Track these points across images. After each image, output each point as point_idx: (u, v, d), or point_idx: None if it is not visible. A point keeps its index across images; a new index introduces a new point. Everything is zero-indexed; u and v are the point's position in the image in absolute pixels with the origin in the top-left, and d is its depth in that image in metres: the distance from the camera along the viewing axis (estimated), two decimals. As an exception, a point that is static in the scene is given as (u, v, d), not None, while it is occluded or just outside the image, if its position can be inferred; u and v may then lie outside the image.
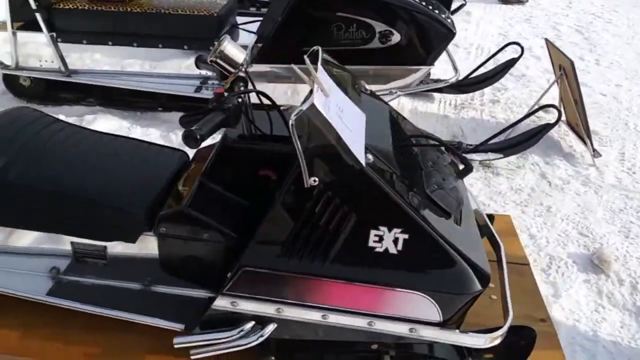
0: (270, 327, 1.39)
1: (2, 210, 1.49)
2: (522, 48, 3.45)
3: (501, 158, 3.01)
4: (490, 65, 3.60)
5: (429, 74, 3.20)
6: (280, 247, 1.30)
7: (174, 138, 3.04)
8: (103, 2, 3.16)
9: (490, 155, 3.00)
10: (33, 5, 3.06)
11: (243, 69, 1.47)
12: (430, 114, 3.56)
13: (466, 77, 3.73)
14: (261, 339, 1.38)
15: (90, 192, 1.46)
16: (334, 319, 1.36)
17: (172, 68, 3.57)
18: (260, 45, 2.97)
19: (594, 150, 3.11)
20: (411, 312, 1.33)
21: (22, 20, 3.19)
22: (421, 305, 1.32)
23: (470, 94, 3.78)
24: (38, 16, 3.10)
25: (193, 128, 1.22)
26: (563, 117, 3.24)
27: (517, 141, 3.07)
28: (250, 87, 1.52)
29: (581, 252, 2.42)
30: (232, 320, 1.40)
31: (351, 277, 1.31)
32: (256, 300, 1.36)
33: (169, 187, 1.52)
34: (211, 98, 1.38)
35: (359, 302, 1.34)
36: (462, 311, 1.37)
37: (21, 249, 1.61)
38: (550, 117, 3.24)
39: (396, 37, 2.84)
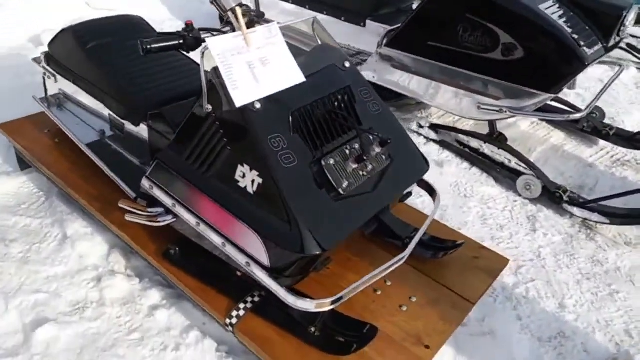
0: (168, 218, 1.73)
1: (69, 67, 2.12)
2: None
3: (607, 224, 2.59)
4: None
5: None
6: (181, 153, 1.62)
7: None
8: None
9: (595, 217, 2.61)
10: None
11: (230, 14, 1.74)
12: (577, 155, 3.17)
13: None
14: (158, 224, 1.74)
15: (127, 83, 1.99)
16: (202, 228, 1.62)
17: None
18: (392, 31, 3.11)
19: None
20: (249, 247, 1.51)
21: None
22: (255, 246, 1.48)
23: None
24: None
25: (145, 40, 1.59)
26: None
27: (636, 213, 2.59)
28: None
29: None
30: (155, 201, 1.78)
31: (218, 199, 1.55)
32: (162, 190, 1.71)
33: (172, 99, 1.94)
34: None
35: (219, 223, 1.57)
36: (294, 268, 1.47)
37: (88, 106, 2.25)
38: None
39: (519, 53, 2.65)
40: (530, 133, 3.35)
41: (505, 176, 2.86)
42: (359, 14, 3.39)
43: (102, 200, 2.01)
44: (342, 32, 3.71)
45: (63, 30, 2.21)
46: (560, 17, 2.64)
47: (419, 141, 3.16)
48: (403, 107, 3.50)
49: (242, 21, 1.53)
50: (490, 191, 2.79)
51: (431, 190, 1.94)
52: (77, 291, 1.93)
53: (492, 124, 2.99)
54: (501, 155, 2.96)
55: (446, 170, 2.91)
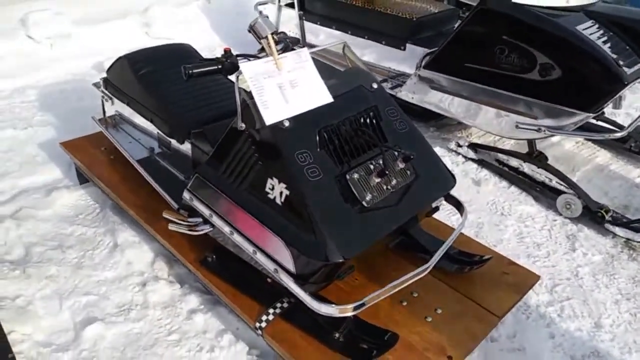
0: (206, 227, 1.86)
1: (124, 91, 2.33)
2: None
3: (650, 244, 2.52)
4: None
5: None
6: (218, 168, 1.75)
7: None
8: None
9: (638, 237, 2.55)
10: (292, -13, 4.01)
11: (263, 41, 1.88)
12: (623, 175, 3.09)
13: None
14: (197, 233, 1.87)
15: (173, 105, 2.17)
16: (235, 237, 1.74)
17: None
18: (430, 54, 3.19)
19: None
20: (277, 255, 1.60)
21: (288, -1, 4.18)
22: (282, 253, 1.58)
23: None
24: (295, -3, 4.03)
25: (188, 66, 1.75)
26: None
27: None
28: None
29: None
30: (195, 212, 1.92)
31: (249, 210, 1.66)
32: (200, 202, 1.84)
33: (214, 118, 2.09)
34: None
35: (250, 232, 1.68)
36: (318, 275, 1.56)
37: (140, 126, 2.45)
38: None
39: (557, 73, 2.65)
40: (574, 152, 3.31)
41: (546, 195, 2.84)
42: (398, 38, 3.49)
43: (149, 211, 2.18)
44: (383, 56, 3.84)
45: (119, 58, 2.44)
46: (599, 37, 2.64)
47: (457, 160, 3.19)
48: (444, 127, 3.54)
49: (274, 47, 1.66)
50: (528, 210, 2.77)
51: (458, 205, 1.97)
52: (123, 294, 2.09)
53: (531, 143, 2.99)
54: (541, 175, 2.94)
55: (484, 189, 2.92)
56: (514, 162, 3.05)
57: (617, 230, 2.58)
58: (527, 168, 2.99)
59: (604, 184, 3.02)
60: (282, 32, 1.99)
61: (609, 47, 2.61)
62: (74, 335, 1.92)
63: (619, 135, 2.68)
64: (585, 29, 2.65)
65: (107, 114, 2.67)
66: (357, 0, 3.77)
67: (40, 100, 3.65)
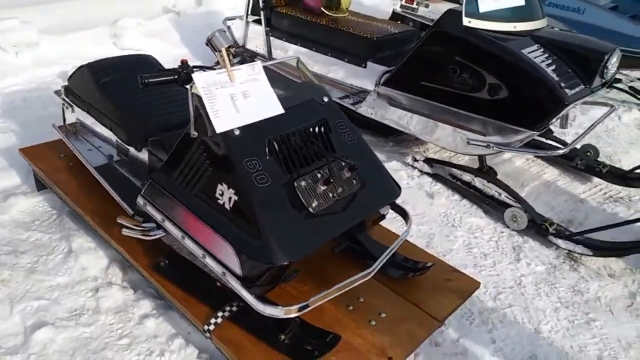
0: (159, 232, 1.91)
1: (84, 98, 2.38)
2: None
3: (591, 256, 2.66)
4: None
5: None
6: (171, 173, 1.81)
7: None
8: (307, 13, 3.99)
9: (579, 249, 2.69)
10: (261, 5, 4.11)
11: (221, 53, 1.95)
12: (569, 191, 3.26)
13: (633, 170, 3.30)
14: (149, 238, 1.92)
15: (132, 113, 2.22)
16: (186, 241, 1.79)
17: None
18: (388, 72, 3.32)
19: None
20: (225, 258, 1.66)
21: (256, 15, 4.28)
22: (230, 256, 1.64)
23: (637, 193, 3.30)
24: (262, 14, 4.14)
25: (144, 75, 1.81)
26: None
27: (620, 246, 2.66)
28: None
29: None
30: (149, 217, 1.96)
31: (200, 214, 1.72)
32: (153, 207, 1.89)
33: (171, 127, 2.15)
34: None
35: (200, 236, 1.74)
36: (264, 278, 1.62)
37: (99, 134, 2.48)
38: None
39: (504, 93, 2.80)
40: (524, 169, 3.46)
41: (494, 208, 2.96)
42: (360, 56, 3.62)
43: (105, 217, 2.21)
44: (345, 72, 3.96)
45: (80, 67, 2.48)
46: (544, 60, 2.81)
47: (413, 174, 3.31)
48: (402, 142, 3.66)
49: (227, 60, 1.74)
50: (478, 222, 2.89)
51: (404, 214, 2.07)
52: (76, 299, 2.10)
53: (481, 158, 3.13)
54: (492, 189, 3.07)
55: (437, 202, 3.03)
56: (467, 176, 3.18)
57: (560, 242, 2.71)
58: (478, 183, 3.13)
59: (551, 199, 3.17)
60: (241, 47, 2.07)
61: (553, 70, 2.77)
62: (24, 339, 1.93)
63: (561, 152, 2.84)
64: (531, 52, 2.82)
65: (68, 122, 2.70)
66: (322, 19, 3.90)
67: (2, 107, 3.64)
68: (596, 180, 3.39)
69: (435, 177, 3.27)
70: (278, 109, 1.79)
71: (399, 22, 5.72)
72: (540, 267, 2.58)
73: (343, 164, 1.79)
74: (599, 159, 3.52)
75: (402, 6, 5.67)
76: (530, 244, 2.74)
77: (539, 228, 2.76)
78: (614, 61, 2.85)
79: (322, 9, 3.92)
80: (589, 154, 3.53)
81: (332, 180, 1.69)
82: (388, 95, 3.33)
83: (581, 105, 3.63)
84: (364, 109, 3.51)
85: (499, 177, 3.17)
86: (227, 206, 1.64)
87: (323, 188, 1.69)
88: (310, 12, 4.00)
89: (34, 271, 2.22)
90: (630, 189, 3.31)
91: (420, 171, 3.32)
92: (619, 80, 4.79)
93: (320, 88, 2.02)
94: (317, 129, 1.85)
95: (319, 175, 1.73)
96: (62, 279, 2.19)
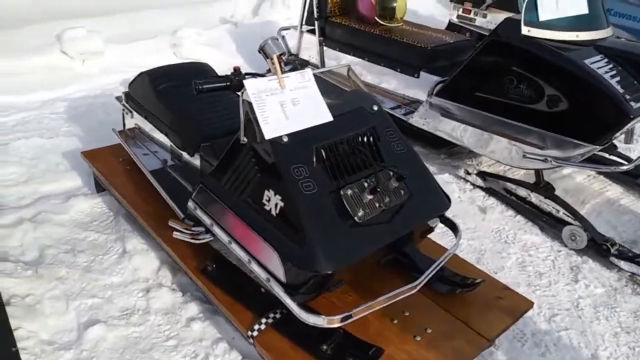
0: (207, 236, 1.94)
1: (142, 104, 2.47)
2: None
3: (654, 279, 2.50)
4: None
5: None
6: (220, 178, 1.84)
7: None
8: (360, 23, 3.99)
9: (641, 271, 2.54)
10: (315, 15, 4.15)
11: (269, 61, 1.96)
12: (633, 210, 3.07)
13: None
14: (198, 242, 1.95)
15: (186, 119, 2.28)
16: (233, 246, 1.81)
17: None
18: (441, 82, 3.26)
19: None
20: (269, 264, 1.67)
21: (310, 25, 4.32)
22: (274, 263, 1.64)
23: None
24: (316, 24, 4.18)
25: (198, 81, 1.85)
26: None
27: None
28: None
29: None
30: (199, 221, 2.00)
31: (247, 220, 1.74)
32: (203, 211, 1.93)
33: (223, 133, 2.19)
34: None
35: (246, 241, 1.75)
36: (307, 286, 1.61)
37: (156, 139, 2.56)
38: None
39: (564, 105, 2.69)
40: (585, 185, 3.30)
41: (551, 225, 2.84)
42: (413, 65, 3.57)
43: (158, 220, 2.27)
44: (398, 83, 3.93)
45: (140, 74, 2.58)
46: (607, 71, 2.66)
47: (465, 187, 3.22)
48: (454, 154, 3.58)
49: (278, 67, 1.76)
50: (533, 239, 2.77)
51: (453, 227, 2.01)
52: (127, 299, 2.17)
53: (538, 173, 3.00)
54: (549, 206, 2.94)
55: (489, 217, 2.94)
56: (522, 191, 3.07)
57: (622, 264, 2.56)
58: (534, 198, 3.01)
59: (613, 218, 3.00)
60: (293, 55, 2.10)
61: (617, 81, 2.63)
62: (77, 335, 2.01)
63: (624, 168, 2.68)
64: (594, 62, 2.68)
65: (127, 127, 2.81)
66: (375, 29, 3.88)
67: (68, 112, 3.84)
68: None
69: (489, 191, 3.17)
70: (327, 117, 1.79)
71: (455, 32, 5.65)
72: (600, 290, 2.44)
73: (391, 173, 1.76)
74: (667, 177, 3.30)
75: (458, 16, 5.56)
76: (590, 265, 2.60)
77: (599, 248, 2.62)
78: (684, 73, 2.68)
79: (376, 18, 3.90)
80: (656, 170, 3.32)
81: (378, 189, 1.67)
82: (441, 106, 3.26)
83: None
84: (416, 120, 3.46)
85: (557, 192, 3.03)
86: (273, 212, 1.65)
87: (369, 197, 1.67)
88: (364, 21, 3.99)
89: (90, 270, 2.31)
90: None
91: (473, 185, 3.23)
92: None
93: (370, 96, 2.00)
94: (365, 138, 1.83)
95: (365, 185, 1.71)
96: (115, 279, 2.27)
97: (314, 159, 1.68)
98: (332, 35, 4.15)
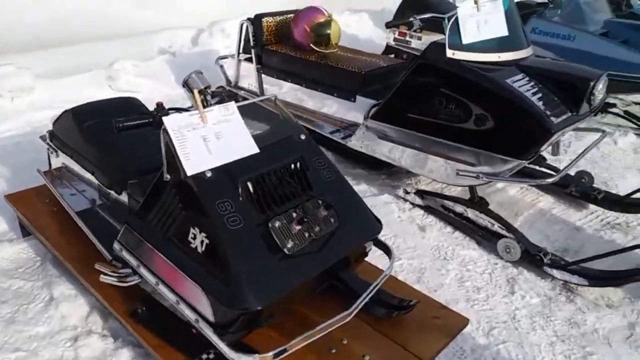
0: (135, 278, 1.88)
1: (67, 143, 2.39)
2: None
3: (587, 286, 2.59)
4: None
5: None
6: (145, 217, 1.78)
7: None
8: (296, 50, 4.03)
9: (575, 279, 2.62)
10: (251, 43, 4.17)
11: (196, 95, 1.94)
12: (564, 219, 3.20)
13: (628, 195, 3.24)
14: (126, 284, 1.88)
15: (112, 157, 2.22)
16: (160, 287, 1.75)
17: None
18: (376, 105, 3.32)
19: None
20: (198, 304, 1.62)
21: (247, 53, 4.33)
22: (202, 302, 1.60)
23: (637, 216, 3.23)
24: (253, 52, 4.19)
25: (119, 119, 1.80)
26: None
27: (618, 275, 2.59)
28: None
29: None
30: (127, 263, 1.93)
31: (173, 259, 1.69)
32: (129, 252, 1.86)
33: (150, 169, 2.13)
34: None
35: (173, 281, 1.70)
36: (237, 324, 1.57)
37: (84, 178, 2.47)
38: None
39: (491, 123, 2.78)
40: (517, 197, 3.41)
41: (487, 239, 2.91)
42: (348, 90, 3.63)
43: (85, 263, 2.17)
44: (335, 107, 3.98)
45: (64, 112, 2.50)
46: (529, 89, 2.78)
47: (404, 207, 3.26)
48: (394, 175, 3.63)
49: (199, 101, 1.74)
50: (471, 254, 2.83)
51: (387, 250, 2.03)
52: (54, 350, 2.06)
53: (472, 189, 3.08)
54: (485, 220, 3.02)
55: (428, 234, 2.98)
56: (459, 207, 3.14)
57: (555, 272, 2.65)
58: (470, 213, 3.08)
59: (546, 228, 3.11)
60: (220, 87, 2.09)
61: (539, 98, 2.75)
62: (-1, 393, 1.88)
63: (551, 180, 2.79)
64: (516, 81, 2.80)
65: (53, 166, 2.70)
66: (311, 55, 3.93)
67: (-5, 153, 3.67)
68: (592, 207, 3.33)
69: (427, 209, 3.23)
70: (253, 149, 1.78)
71: (393, 55, 5.80)
72: (535, 300, 2.51)
73: (320, 202, 1.76)
74: (594, 185, 3.46)
75: (395, 39, 5.72)
76: (525, 276, 2.67)
77: (533, 258, 2.70)
78: (600, 87, 2.83)
79: (312, 45, 3.96)
80: (583, 180, 3.48)
81: (306, 219, 1.66)
82: (377, 129, 3.32)
83: (576, 132, 3.62)
84: (354, 143, 3.51)
85: (492, 206, 3.12)
86: (199, 250, 1.61)
87: (298, 228, 1.66)
88: (300, 49, 4.04)
89: (14, 321, 2.18)
90: (628, 215, 3.24)
91: (412, 204, 3.28)
92: (614, 105, 4.79)
93: (297, 126, 2.01)
94: (293, 167, 1.83)
95: (294, 215, 1.70)
96: (41, 329, 2.15)
97: (240, 193, 1.66)
98: (270, 63, 4.18)
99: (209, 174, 1.64)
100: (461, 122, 2.89)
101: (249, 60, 4.27)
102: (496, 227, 2.93)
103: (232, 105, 1.83)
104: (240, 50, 4.39)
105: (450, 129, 2.93)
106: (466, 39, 2.87)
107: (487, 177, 2.86)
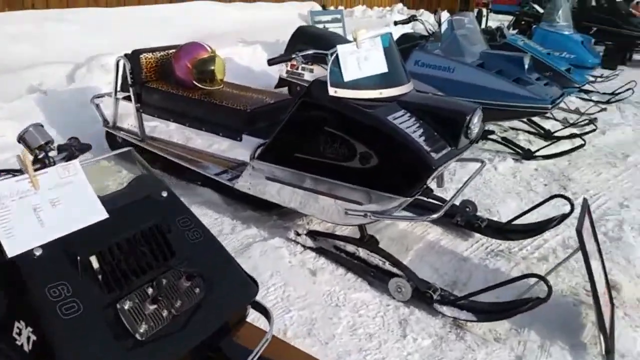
0: None
1: None
2: (572, 204, 2.96)
3: (475, 321, 2.58)
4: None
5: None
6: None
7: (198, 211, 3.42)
8: (179, 87, 3.81)
9: (463, 315, 2.61)
10: (129, 80, 3.89)
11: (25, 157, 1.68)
12: (452, 250, 3.24)
13: (509, 222, 3.35)
14: None
15: None
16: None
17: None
18: (262, 145, 3.19)
19: (607, 351, 2.41)
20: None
21: (126, 91, 4.04)
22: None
23: (519, 243, 3.34)
24: (131, 90, 3.91)
25: None
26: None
27: (504, 307, 2.62)
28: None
29: None
30: None
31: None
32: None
33: None
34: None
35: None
36: None
37: None
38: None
39: (375, 161, 2.75)
40: (408, 231, 3.42)
41: (379, 279, 2.85)
42: (234, 129, 3.48)
43: None
44: (221, 147, 3.80)
45: None
46: (410, 125, 2.80)
47: (295, 250, 3.14)
48: (286, 215, 3.51)
49: (29, 164, 1.49)
50: (363, 297, 2.75)
51: (265, 312, 1.87)
52: None
53: (362, 228, 3.03)
54: (376, 258, 2.97)
55: (320, 279, 2.87)
56: (351, 247, 3.07)
57: (445, 309, 2.63)
58: (362, 253, 3.01)
59: (435, 260, 3.13)
60: (73, 138, 1.85)
61: (419, 135, 2.77)
62: None
63: (435, 216, 2.80)
64: (397, 118, 2.81)
65: None
66: (194, 93, 3.74)
67: None
68: (477, 235, 3.42)
69: (319, 251, 3.13)
70: (100, 214, 1.56)
71: (287, 87, 5.76)
72: (427, 341, 2.47)
73: (181, 271, 1.57)
74: (478, 214, 3.57)
75: (287, 72, 5.70)
76: (417, 315, 2.63)
77: (423, 296, 2.67)
78: (475, 121, 2.91)
79: (194, 82, 3.77)
80: (468, 209, 3.57)
81: (161, 296, 1.46)
82: (264, 170, 3.18)
83: (459, 162, 3.72)
84: (241, 185, 3.35)
85: (383, 242, 3.11)
86: (26, 349, 1.34)
87: (153, 307, 1.45)
88: (183, 86, 3.83)
89: None
90: (510, 242, 3.35)
91: (303, 246, 3.16)
92: (493, 132, 5.05)
93: (158, 181, 1.81)
94: (150, 232, 1.62)
95: (150, 291, 1.49)
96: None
97: (80, 271, 1.43)
98: (150, 102, 3.93)
99: (38, 252, 1.39)
100: (347, 161, 2.83)
101: (128, 98, 3.99)
102: (387, 265, 2.88)
103: (75, 165, 1.60)
104: (118, 89, 4.11)
105: (337, 167, 2.87)
106: (347, 77, 2.84)
107: (375, 215, 2.82)
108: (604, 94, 7.26)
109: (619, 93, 7.14)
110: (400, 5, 14.25)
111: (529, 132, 5.44)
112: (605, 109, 6.52)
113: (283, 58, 3.12)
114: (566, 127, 5.54)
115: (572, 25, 6.96)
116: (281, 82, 5.80)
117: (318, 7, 8.40)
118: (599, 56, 7.06)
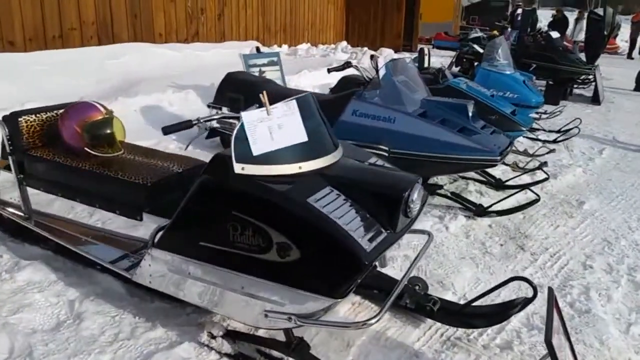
0: None
1: None
2: (535, 288, 2.50)
3: None
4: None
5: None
6: None
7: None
8: (68, 155, 3.17)
9: None
10: (7, 148, 3.23)
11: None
12: (402, 342, 2.72)
13: (466, 305, 2.85)
14: None
15: None
16: None
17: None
18: (161, 229, 2.59)
19: None
20: None
21: (6, 159, 3.36)
22: None
23: (475, 330, 2.84)
24: (10, 159, 3.24)
25: None
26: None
27: None
28: None
29: None
30: None
31: None
32: None
33: None
34: None
35: None
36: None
37: None
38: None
39: (295, 254, 2.19)
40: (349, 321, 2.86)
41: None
42: (133, 207, 2.87)
43: None
44: (119, 227, 3.18)
45: None
46: (336, 208, 2.26)
47: (210, 357, 2.52)
48: (201, 309, 2.88)
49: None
50: None
51: None
52: None
53: (287, 331, 2.45)
54: (309, 365, 2.39)
55: (234, 405, 2.26)
56: (277, 353, 2.48)
57: None
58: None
59: (382, 358, 2.59)
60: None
61: (349, 220, 2.23)
62: None
63: (374, 321, 2.23)
64: (320, 199, 2.27)
65: None
66: (86, 162, 3.10)
67: None
68: (430, 320, 2.90)
69: (239, 357, 2.53)
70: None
71: (220, 137, 5.19)
72: None
73: None
74: (429, 293, 3.06)
75: (218, 121, 5.14)
76: None
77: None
78: (415, 196, 2.42)
79: (86, 148, 3.13)
80: (417, 287, 3.06)
81: None
82: (166, 259, 2.57)
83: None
84: (140, 277, 2.72)
85: (321, 336, 2.59)
86: None
87: None
88: (74, 153, 3.19)
89: None
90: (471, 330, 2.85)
91: (219, 353, 2.55)
92: (441, 187, 4.63)
93: None
94: None
95: None
96: None
97: None
98: (35, 172, 3.28)
99: None
100: (263, 253, 2.26)
101: (8, 168, 3.32)
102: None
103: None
104: (-1, 156, 3.43)
105: (252, 260, 2.29)
106: (256, 150, 2.30)
107: (300, 320, 2.25)
108: (551, 131, 7.08)
109: (565, 132, 6.98)
110: (344, 43, 14.08)
111: (479, 181, 5.06)
112: (554, 150, 6.29)
113: (179, 126, 2.56)
114: (517, 175, 5.20)
115: (512, 64, 6.77)
116: (212, 132, 5.23)
117: (260, 49, 7.90)
118: (541, 95, 6.90)
